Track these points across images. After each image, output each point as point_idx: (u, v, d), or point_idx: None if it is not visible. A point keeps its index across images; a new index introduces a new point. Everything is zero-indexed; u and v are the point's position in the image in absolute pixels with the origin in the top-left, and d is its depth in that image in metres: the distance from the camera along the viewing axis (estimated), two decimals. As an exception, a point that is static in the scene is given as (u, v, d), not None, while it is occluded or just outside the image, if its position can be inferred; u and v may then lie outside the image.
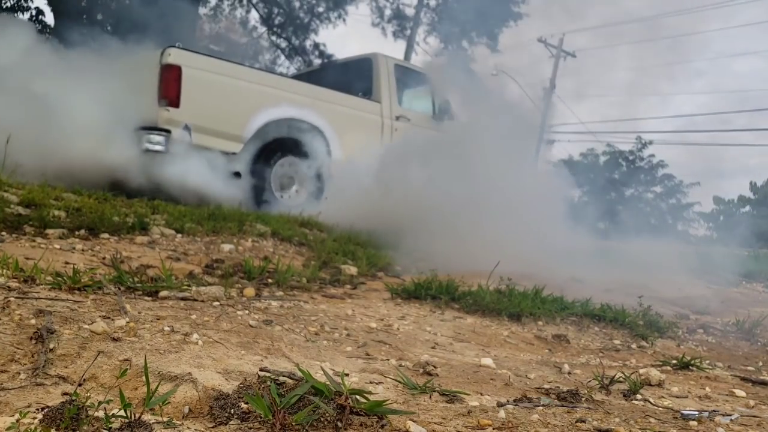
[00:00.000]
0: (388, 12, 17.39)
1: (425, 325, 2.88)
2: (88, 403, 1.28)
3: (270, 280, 3.44)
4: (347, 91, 7.65)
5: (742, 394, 2.19)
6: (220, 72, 6.47)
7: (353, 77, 8.18)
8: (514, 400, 1.74)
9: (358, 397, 1.42)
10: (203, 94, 6.26)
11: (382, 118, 7.80)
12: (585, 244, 6.39)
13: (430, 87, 8.13)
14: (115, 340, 1.77)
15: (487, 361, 2.28)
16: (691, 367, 2.58)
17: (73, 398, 1.29)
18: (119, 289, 2.46)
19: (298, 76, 9.10)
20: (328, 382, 1.46)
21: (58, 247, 3.37)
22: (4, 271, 2.42)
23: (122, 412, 1.25)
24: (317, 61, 15.71)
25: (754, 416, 1.81)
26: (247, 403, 1.39)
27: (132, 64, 6.44)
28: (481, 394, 1.82)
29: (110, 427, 1.23)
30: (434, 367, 2.06)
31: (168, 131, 6.05)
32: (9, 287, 2.16)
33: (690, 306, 4.53)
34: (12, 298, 1.99)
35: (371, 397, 1.44)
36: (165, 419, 1.32)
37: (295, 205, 6.57)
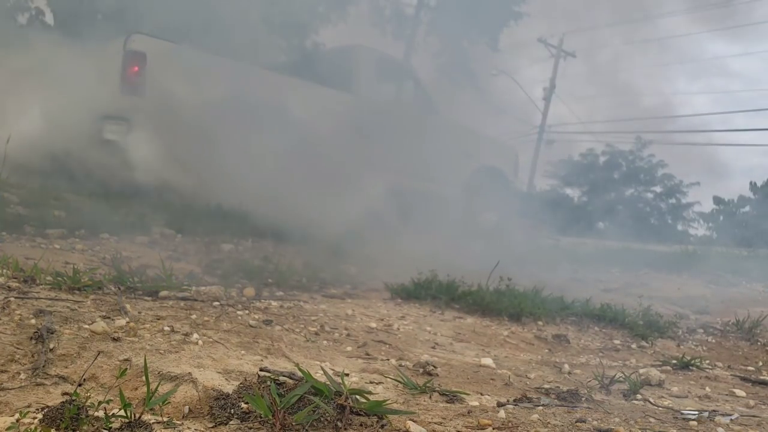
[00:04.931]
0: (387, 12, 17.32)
1: (425, 325, 2.88)
2: (88, 403, 1.28)
3: (270, 280, 3.44)
4: (326, 83, 7.07)
5: (742, 394, 2.19)
6: (189, 61, 5.88)
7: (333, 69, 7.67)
8: (514, 400, 1.74)
9: (358, 397, 1.42)
10: (169, 83, 5.63)
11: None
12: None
13: None
14: (115, 340, 1.77)
15: (487, 361, 2.28)
16: (691, 367, 2.58)
17: (73, 398, 1.29)
18: (119, 289, 2.46)
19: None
20: (328, 382, 1.46)
21: (58, 247, 3.37)
22: (4, 271, 2.41)
23: (122, 412, 1.25)
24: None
25: (754, 416, 1.81)
26: (247, 403, 1.39)
27: (99, 52, 5.91)
28: (481, 394, 1.82)
29: (110, 427, 1.23)
30: (434, 367, 2.06)
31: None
32: (9, 287, 2.16)
33: (690, 306, 4.54)
34: (12, 298, 1.99)
35: (371, 397, 1.44)
36: (165, 419, 1.32)
37: None
